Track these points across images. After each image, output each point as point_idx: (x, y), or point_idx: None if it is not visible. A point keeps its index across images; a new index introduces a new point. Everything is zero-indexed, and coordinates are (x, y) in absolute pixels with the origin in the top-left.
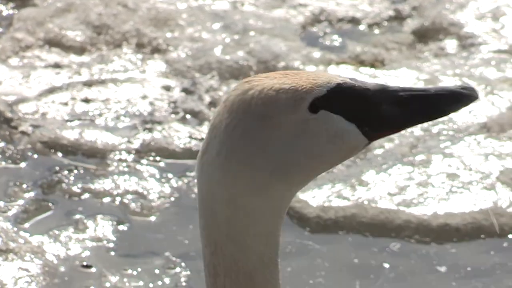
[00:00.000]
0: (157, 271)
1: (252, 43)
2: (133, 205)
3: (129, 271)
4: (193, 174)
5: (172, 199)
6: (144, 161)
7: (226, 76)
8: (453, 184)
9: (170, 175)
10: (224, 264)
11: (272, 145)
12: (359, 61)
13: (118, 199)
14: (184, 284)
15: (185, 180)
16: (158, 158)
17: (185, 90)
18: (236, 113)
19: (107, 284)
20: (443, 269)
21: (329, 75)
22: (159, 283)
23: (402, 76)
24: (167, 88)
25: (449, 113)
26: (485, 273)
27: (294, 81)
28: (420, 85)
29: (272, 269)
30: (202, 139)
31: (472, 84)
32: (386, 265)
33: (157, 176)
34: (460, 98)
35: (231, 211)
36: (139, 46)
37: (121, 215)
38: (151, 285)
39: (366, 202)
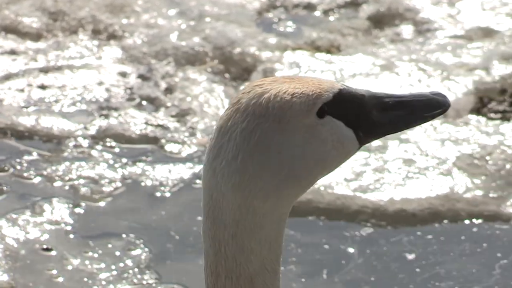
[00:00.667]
0: (117, 253)
1: (208, 29)
2: (87, 189)
3: (90, 253)
4: (149, 159)
5: (128, 183)
6: (99, 147)
7: (182, 62)
8: (410, 169)
9: (124, 160)
10: (226, 265)
11: (286, 149)
12: (315, 47)
13: (73, 184)
14: (145, 265)
15: (141, 165)
16: (114, 144)
17: (141, 76)
18: (252, 116)
19: (69, 267)
20: (410, 256)
21: (329, 80)
22: (121, 264)
23: (358, 62)
24: (123, 75)
25: (428, 121)
26: (448, 259)
27: (303, 85)
28: (376, 71)
29: (273, 276)
30: (158, 125)
31: (428, 69)
32: (351, 250)
33: (112, 161)
34: (437, 105)
35: (241, 213)
36: (95, 33)
37: (76, 199)
38: (113, 266)
39: (322, 188)
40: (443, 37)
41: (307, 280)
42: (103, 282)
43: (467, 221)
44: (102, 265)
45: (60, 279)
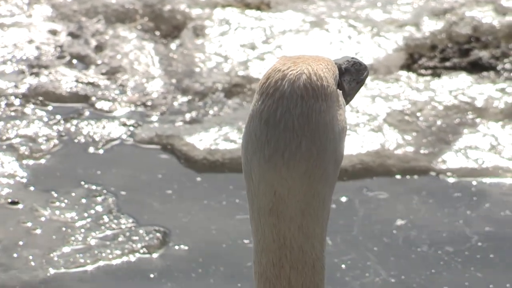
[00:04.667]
0: (84, 201)
1: None
2: (26, 147)
3: (57, 204)
4: (81, 117)
5: (64, 139)
6: (31, 105)
7: (112, 20)
8: None
9: (58, 117)
10: (291, 256)
11: (336, 124)
12: (245, 4)
13: (10, 142)
14: (116, 208)
15: (74, 122)
16: (45, 102)
17: (71, 34)
18: (302, 100)
19: (42, 219)
20: (345, 212)
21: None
22: (93, 211)
23: (288, 19)
24: (54, 33)
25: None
26: (381, 213)
27: (321, 61)
28: (306, 27)
29: (325, 255)
30: (88, 83)
31: (358, 26)
32: None
33: (45, 119)
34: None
35: (306, 202)
36: None
37: (17, 157)
38: (85, 214)
39: None
40: None
41: (235, 228)
42: (82, 230)
43: (398, 177)
44: (74, 214)
45: (38, 231)
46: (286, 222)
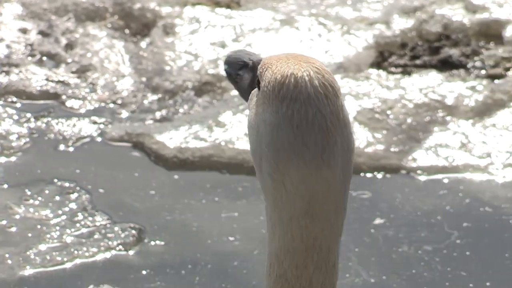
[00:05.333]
0: (58, 198)
1: None
2: None
3: (31, 201)
4: (51, 115)
5: (34, 137)
6: (1, 103)
7: (82, 18)
8: None
9: (28, 115)
10: (318, 256)
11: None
12: (215, 2)
13: None
14: (91, 205)
15: (44, 120)
16: (15, 100)
17: (41, 33)
18: (326, 100)
19: (17, 216)
20: None
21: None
22: (67, 209)
23: (258, 17)
24: (24, 31)
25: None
26: (360, 212)
27: (304, 57)
28: (276, 25)
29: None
30: (59, 81)
31: (328, 24)
32: (243, 201)
33: (16, 117)
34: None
35: (340, 199)
36: None
37: None
38: (60, 211)
39: (223, 143)
40: None
41: (210, 230)
42: (57, 227)
43: (369, 175)
44: (48, 211)
45: (13, 229)
46: (320, 222)
